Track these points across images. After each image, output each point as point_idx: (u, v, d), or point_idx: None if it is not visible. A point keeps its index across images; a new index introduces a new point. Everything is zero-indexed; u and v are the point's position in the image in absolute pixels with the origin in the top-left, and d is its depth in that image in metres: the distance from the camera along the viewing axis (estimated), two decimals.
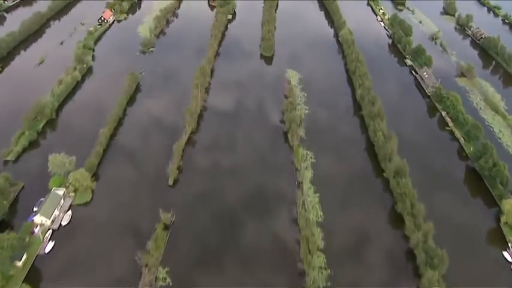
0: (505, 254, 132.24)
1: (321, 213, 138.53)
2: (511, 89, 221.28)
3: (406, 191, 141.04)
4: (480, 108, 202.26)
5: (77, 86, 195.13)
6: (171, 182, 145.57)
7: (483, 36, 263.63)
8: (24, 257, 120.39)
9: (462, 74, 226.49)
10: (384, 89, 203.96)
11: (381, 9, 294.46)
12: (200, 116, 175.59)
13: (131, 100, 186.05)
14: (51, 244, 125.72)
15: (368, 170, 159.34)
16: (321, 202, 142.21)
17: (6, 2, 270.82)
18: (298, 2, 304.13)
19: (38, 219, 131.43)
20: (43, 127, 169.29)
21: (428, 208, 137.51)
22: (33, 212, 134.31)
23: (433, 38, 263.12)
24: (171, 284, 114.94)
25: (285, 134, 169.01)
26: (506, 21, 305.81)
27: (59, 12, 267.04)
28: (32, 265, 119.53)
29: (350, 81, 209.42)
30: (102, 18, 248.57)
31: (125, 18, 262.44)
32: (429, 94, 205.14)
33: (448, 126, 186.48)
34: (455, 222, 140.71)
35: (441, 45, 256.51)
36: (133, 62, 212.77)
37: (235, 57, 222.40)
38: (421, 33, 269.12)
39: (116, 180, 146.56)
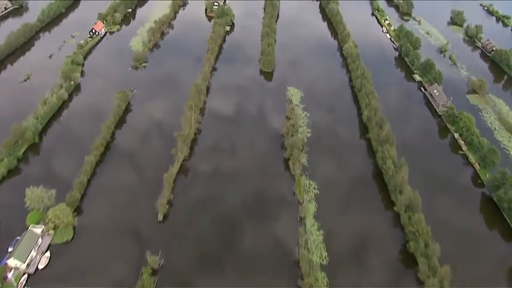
0: None
1: (326, 254, 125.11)
2: None
3: (420, 228, 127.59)
4: (495, 128, 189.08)
5: (64, 105, 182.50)
6: (160, 218, 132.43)
7: (494, 48, 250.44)
8: None
9: (474, 91, 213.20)
10: (392, 108, 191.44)
11: (387, 19, 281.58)
12: (194, 141, 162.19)
13: (120, 121, 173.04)
14: None
15: (377, 202, 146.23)
16: (325, 241, 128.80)
17: None
18: (299, 12, 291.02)
19: (11, 262, 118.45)
20: (24, 153, 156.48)
21: (443, 244, 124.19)
22: (7, 252, 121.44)
23: (442, 50, 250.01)
24: None
25: (286, 160, 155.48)
26: None
27: (49, 24, 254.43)
28: None
29: (355, 99, 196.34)
30: (93, 31, 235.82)
31: (118, 30, 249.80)
32: (440, 114, 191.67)
33: (462, 150, 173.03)
34: (475, 262, 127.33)
35: (450, 59, 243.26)
36: (125, 79, 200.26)
37: (233, 73, 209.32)
38: (429, 45, 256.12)
39: (101, 214, 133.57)
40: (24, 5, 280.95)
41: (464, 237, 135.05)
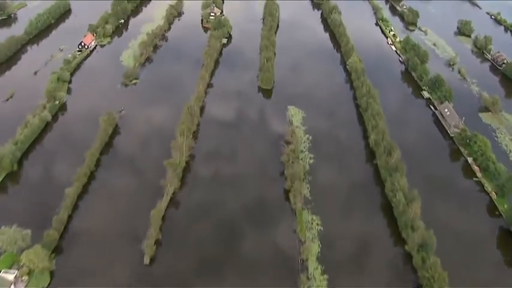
0: None
1: None
2: None
3: (435, 275, 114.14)
4: (510, 151, 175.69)
5: (47, 128, 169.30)
6: (147, 261, 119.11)
7: (505, 61, 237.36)
8: None
9: (486, 108, 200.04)
10: (399, 128, 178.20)
11: (391, 30, 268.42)
12: (186, 169, 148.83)
13: (107, 147, 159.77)
14: None
15: (385, 238, 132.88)
16: (329, 287, 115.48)
17: None
18: (300, 22, 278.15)
19: None
20: (1, 182, 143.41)
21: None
22: None
23: (450, 63, 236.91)
24: None
25: (286, 191, 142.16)
26: None
27: (37, 36, 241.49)
28: None
29: (360, 119, 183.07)
30: (83, 44, 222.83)
31: (109, 43, 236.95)
32: (452, 135, 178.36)
33: (476, 176, 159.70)
34: None
35: (460, 73, 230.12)
36: (114, 97, 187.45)
37: (230, 91, 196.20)
38: (436, 57, 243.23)
39: (82, 256, 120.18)
40: (12, 15, 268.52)
41: (482, 279, 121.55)
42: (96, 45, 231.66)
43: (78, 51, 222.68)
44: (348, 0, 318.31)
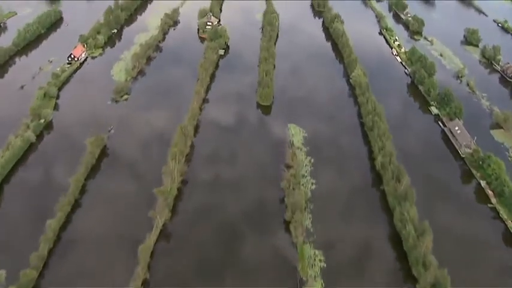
0: None
1: None
2: None
3: None
4: None
5: (31, 149, 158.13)
6: None
7: None
8: None
9: (498, 125, 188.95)
10: (406, 147, 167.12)
11: (396, 39, 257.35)
12: (177, 197, 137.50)
13: (94, 171, 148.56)
14: None
15: (394, 275, 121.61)
16: None
17: None
18: (300, 31, 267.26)
19: None
20: None
21: None
22: None
23: (458, 76, 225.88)
24: None
25: (287, 222, 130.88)
26: None
27: (26, 47, 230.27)
28: None
29: (365, 138, 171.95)
30: (72, 56, 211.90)
31: (100, 54, 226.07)
32: (463, 156, 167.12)
33: (491, 202, 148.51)
34: None
35: (468, 85, 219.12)
36: (103, 114, 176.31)
37: (226, 108, 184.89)
38: (443, 69, 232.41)
39: None
40: (1, 24, 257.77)
41: None
42: (87, 57, 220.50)
43: (68, 63, 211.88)
44: (350, 7, 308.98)
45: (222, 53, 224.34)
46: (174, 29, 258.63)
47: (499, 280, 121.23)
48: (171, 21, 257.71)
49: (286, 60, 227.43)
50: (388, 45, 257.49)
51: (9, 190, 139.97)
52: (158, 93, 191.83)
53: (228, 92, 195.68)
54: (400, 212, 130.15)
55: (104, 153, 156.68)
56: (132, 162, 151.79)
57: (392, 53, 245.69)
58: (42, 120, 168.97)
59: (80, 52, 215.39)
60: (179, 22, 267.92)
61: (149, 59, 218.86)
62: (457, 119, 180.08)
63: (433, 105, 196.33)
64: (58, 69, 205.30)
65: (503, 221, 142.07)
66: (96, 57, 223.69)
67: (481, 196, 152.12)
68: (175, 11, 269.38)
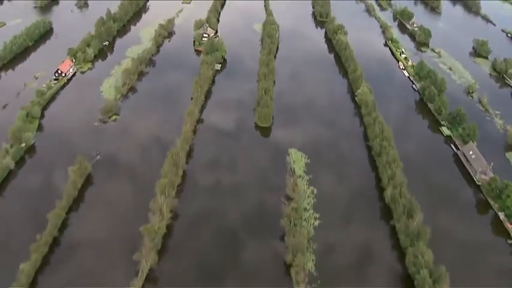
0: None
1: None
2: None
3: None
4: None
5: (9, 177, 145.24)
6: None
7: None
8: None
9: None
10: (416, 175, 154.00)
11: (403, 52, 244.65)
12: (167, 235, 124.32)
13: (77, 202, 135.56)
14: None
15: None
16: None
17: None
18: (301, 43, 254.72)
19: None
20: None
21: None
22: None
23: (469, 91, 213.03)
24: None
25: (288, 265, 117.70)
26: None
27: (12, 61, 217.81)
28: None
29: (373, 165, 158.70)
30: (59, 72, 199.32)
31: (90, 69, 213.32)
32: (478, 184, 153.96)
33: (510, 238, 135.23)
34: None
35: (480, 102, 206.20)
36: (90, 137, 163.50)
37: (222, 130, 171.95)
38: (452, 83, 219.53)
39: None
40: None
41: None
42: (76, 72, 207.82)
43: (55, 79, 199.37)
44: (353, 16, 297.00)
45: (219, 68, 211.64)
46: (169, 41, 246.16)
47: None
48: (166, 32, 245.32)
49: (287, 75, 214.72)
50: (394, 58, 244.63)
51: None
52: (149, 112, 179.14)
53: (224, 111, 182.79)
54: (413, 253, 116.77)
55: (88, 181, 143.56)
56: (118, 193, 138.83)
57: (399, 66, 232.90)
58: (23, 145, 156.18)
59: (68, 67, 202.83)
60: (174, 33, 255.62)
61: (141, 75, 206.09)
62: (471, 142, 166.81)
63: (444, 126, 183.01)
64: (44, 85, 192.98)
65: None
66: (85, 72, 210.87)
67: (500, 230, 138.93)
68: (171, 22, 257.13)
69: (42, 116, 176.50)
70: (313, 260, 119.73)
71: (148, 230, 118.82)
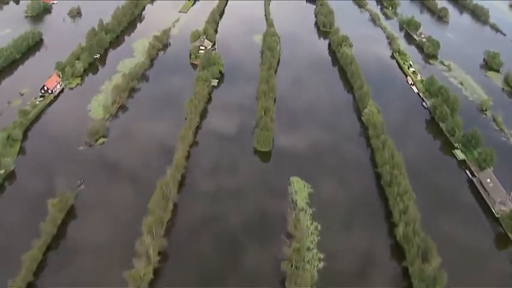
0: None
1: None
2: None
3: None
4: None
5: None
6: None
7: None
8: None
9: None
10: (428, 204, 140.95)
11: (410, 65, 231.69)
12: (153, 282, 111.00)
13: (57, 240, 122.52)
14: None
15: None
16: None
17: None
18: (304, 55, 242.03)
19: None
20: None
21: None
22: None
23: (483, 109, 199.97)
24: None
25: None
26: None
27: None
28: None
29: (382, 194, 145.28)
30: (45, 88, 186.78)
31: (79, 85, 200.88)
32: (497, 216, 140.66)
33: None
34: None
35: (495, 121, 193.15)
36: (74, 164, 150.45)
37: (217, 154, 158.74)
38: (464, 99, 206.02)
39: None
40: None
41: None
42: (64, 89, 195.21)
43: (41, 96, 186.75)
44: (358, 25, 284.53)
45: (216, 84, 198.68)
46: (164, 53, 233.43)
47: None
48: (161, 44, 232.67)
49: (288, 91, 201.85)
50: (401, 71, 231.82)
51: None
52: (140, 134, 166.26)
53: (221, 133, 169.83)
54: None
55: (70, 215, 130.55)
56: (103, 230, 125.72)
57: (407, 81, 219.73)
58: (1, 171, 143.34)
59: (55, 83, 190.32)
60: (170, 45, 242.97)
61: (133, 91, 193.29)
62: (488, 168, 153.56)
63: (458, 148, 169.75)
64: (28, 103, 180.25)
65: None
66: (74, 88, 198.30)
67: None
68: (166, 33, 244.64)
69: (25, 137, 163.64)
70: None
71: (133, 277, 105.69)
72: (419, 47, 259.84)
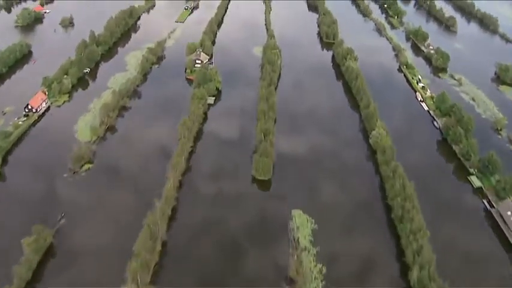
0: None
1: None
2: None
3: None
4: None
5: None
6: None
7: None
8: None
9: None
10: (444, 240, 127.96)
11: (419, 79, 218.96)
12: None
13: (32, 283, 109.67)
14: None
15: None
16: None
17: None
18: (306, 71, 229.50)
19: None
20: None
21: None
22: None
23: (497, 128, 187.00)
24: None
25: None
26: None
27: None
28: None
29: (393, 230, 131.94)
30: (30, 107, 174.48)
31: (67, 102, 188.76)
32: None
33: None
34: None
35: (510, 141, 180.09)
36: (56, 194, 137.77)
37: (211, 184, 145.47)
38: (477, 117, 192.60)
39: None
40: None
41: None
42: (50, 106, 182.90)
43: (24, 115, 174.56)
44: (362, 35, 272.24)
45: (212, 102, 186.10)
46: (158, 67, 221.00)
47: None
48: (155, 57, 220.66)
49: (289, 109, 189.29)
50: (409, 85, 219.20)
51: None
52: (128, 160, 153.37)
53: (217, 158, 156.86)
54: None
55: (48, 255, 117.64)
56: (83, 274, 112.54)
57: (416, 97, 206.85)
58: None
59: (40, 101, 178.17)
60: (165, 57, 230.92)
61: (123, 109, 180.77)
62: (508, 199, 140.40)
63: (473, 174, 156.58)
64: (11, 123, 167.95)
65: None
66: (61, 105, 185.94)
67: None
68: (161, 45, 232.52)
69: (4, 162, 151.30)
70: None
71: None
72: (428, 59, 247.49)
